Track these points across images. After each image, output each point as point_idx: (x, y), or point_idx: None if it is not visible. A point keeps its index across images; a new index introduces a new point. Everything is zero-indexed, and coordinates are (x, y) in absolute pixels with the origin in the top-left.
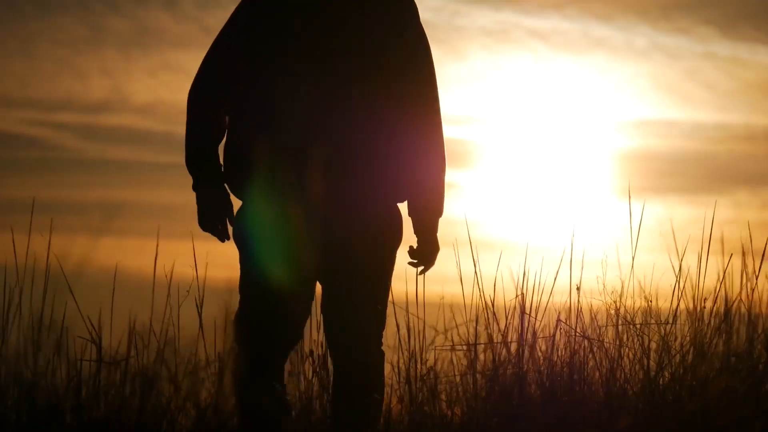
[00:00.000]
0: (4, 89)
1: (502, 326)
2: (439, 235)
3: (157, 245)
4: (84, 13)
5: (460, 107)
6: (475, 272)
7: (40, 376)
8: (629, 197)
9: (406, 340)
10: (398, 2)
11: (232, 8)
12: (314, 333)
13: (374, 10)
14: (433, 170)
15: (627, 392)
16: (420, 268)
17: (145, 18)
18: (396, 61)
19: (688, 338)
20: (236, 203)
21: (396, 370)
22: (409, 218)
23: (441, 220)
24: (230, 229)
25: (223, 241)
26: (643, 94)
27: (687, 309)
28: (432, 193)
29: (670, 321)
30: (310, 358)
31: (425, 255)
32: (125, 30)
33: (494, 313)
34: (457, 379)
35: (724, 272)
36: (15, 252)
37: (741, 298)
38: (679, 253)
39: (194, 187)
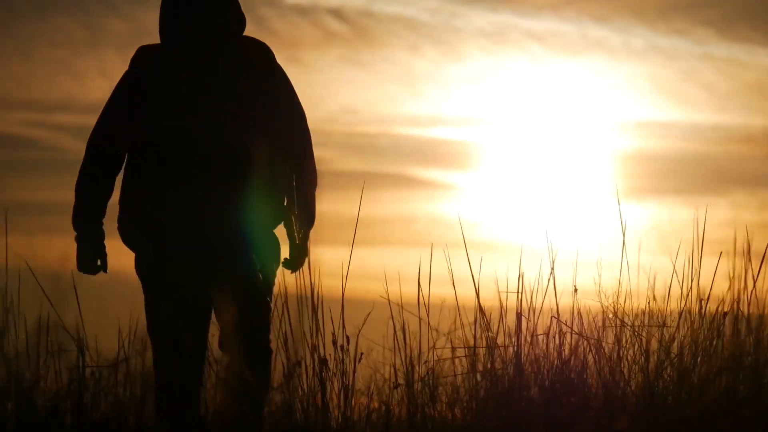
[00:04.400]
0: (2, 90)
1: (501, 328)
2: (439, 235)
3: None
4: (82, 14)
5: (458, 108)
6: (472, 274)
7: (40, 378)
8: (617, 200)
9: (407, 341)
10: (257, 48)
11: None
12: (313, 337)
13: (238, 56)
14: (308, 188)
15: (627, 393)
16: (290, 272)
17: (143, 19)
18: (262, 97)
19: (687, 339)
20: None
21: (396, 371)
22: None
23: (440, 220)
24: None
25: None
26: (641, 95)
27: (686, 310)
28: (307, 208)
29: (669, 323)
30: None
31: (298, 262)
32: (123, 31)
33: (490, 315)
34: (458, 380)
35: (714, 272)
36: (8, 254)
37: (741, 300)
38: (681, 255)
39: (76, 239)
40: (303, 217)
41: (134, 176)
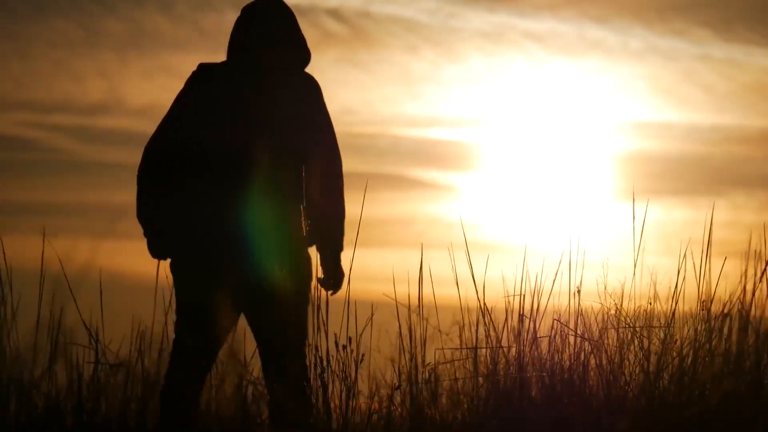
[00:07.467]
0: (0, 91)
1: (502, 329)
2: (438, 236)
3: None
4: (80, 15)
5: (457, 109)
6: (472, 276)
7: (40, 379)
8: (633, 200)
9: (412, 341)
10: (306, 83)
11: (228, 11)
12: (314, 339)
13: (289, 88)
14: (337, 216)
15: (627, 394)
16: (330, 292)
17: (141, 20)
18: (305, 128)
19: (688, 340)
20: None
21: (397, 372)
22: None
23: (438, 221)
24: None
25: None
26: (640, 95)
27: (687, 311)
28: (336, 235)
29: (670, 323)
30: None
31: (333, 283)
32: (121, 32)
33: (491, 316)
34: (459, 382)
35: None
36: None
37: (742, 301)
38: (680, 255)
39: (144, 234)
40: (329, 249)
41: (177, 188)
